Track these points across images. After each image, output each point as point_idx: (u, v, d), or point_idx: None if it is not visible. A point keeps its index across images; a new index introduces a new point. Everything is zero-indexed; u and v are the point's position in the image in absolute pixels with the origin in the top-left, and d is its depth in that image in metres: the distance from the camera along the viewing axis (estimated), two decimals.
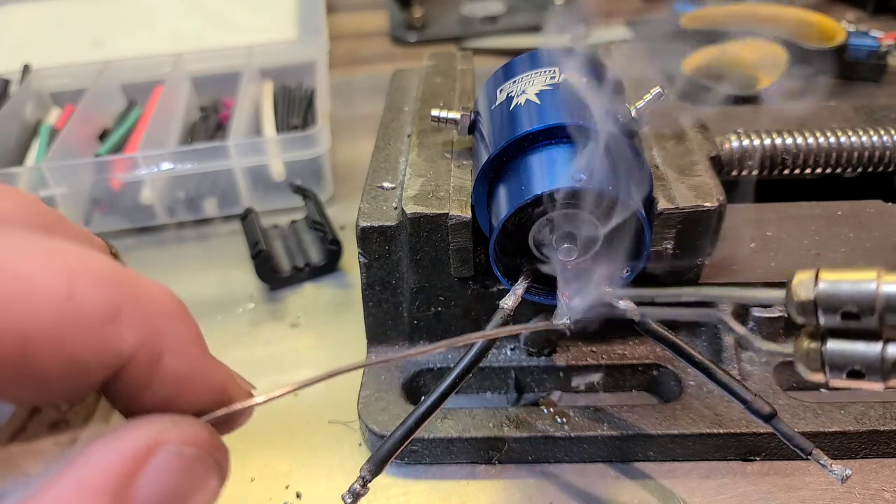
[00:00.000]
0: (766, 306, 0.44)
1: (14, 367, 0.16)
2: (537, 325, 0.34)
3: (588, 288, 0.35)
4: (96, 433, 0.19)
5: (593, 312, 0.34)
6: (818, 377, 0.23)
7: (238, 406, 0.21)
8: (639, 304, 0.34)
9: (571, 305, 0.34)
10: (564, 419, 0.42)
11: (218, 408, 0.20)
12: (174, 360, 0.19)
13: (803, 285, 0.22)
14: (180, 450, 0.18)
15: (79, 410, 0.19)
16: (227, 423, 0.21)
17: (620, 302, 0.38)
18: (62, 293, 0.16)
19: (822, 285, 0.22)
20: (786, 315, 0.44)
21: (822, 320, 0.22)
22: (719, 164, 0.50)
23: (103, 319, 0.17)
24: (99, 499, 0.16)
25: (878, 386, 0.22)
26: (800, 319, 0.22)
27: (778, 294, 0.24)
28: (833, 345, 0.22)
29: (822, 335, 0.22)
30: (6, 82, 0.78)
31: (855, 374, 0.22)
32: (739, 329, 0.28)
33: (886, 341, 0.21)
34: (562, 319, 0.34)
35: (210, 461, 0.19)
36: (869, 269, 0.21)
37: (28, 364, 0.16)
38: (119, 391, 0.18)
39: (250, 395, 0.22)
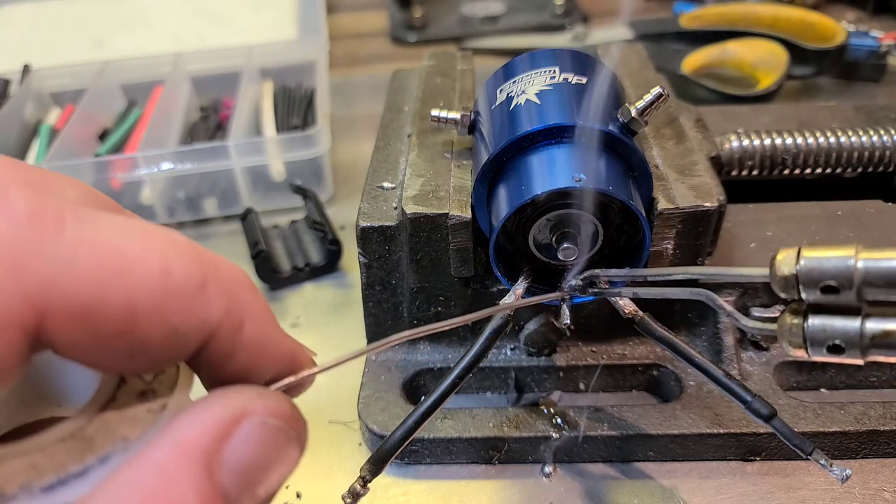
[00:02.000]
0: (765, 305, 0.44)
1: (122, 336, 0.17)
2: (544, 297, 0.35)
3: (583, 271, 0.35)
4: (182, 401, 0.20)
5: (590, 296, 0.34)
6: (800, 353, 0.24)
7: (307, 373, 0.22)
8: (631, 283, 0.34)
9: (570, 282, 0.34)
10: (564, 419, 0.42)
11: (286, 375, 0.22)
12: (253, 329, 0.20)
13: (786, 261, 0.23)
14: (265, 420, 0.19)
15: (163, 380, 0.20)
16: (295, 389, 0.22)
17: (620, 302, 0.38)
18: (159, 268, 0.18)
19: (803, 261, 0.22)
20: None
21: (804, 295, 0.23)
22: (719, 164, 0.50)
23: (194, 291, 0.18)
24: (193, 460, 0.18)
25: (857, 360, 0.23)
26: (783, 295, 0.23)
27: (762, 271, 0.24)
28: (814, 320, 0.23)
29: (805, 312, 0.23)
30: (6, 82, 0.78)
31: (835, 349, 0.23)
32: (727, 307, 0.29)
33: (865, 317, 0.22)
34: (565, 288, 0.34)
35: (291, 432, 0.20)
36: (848, 246, 0.22)
37: (134, 334, 0.17)
38: (206, 360, 0.20)
39: (314, 363, 0.23)
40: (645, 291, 0.33)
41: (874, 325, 0.22)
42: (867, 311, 0.22)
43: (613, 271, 0.34)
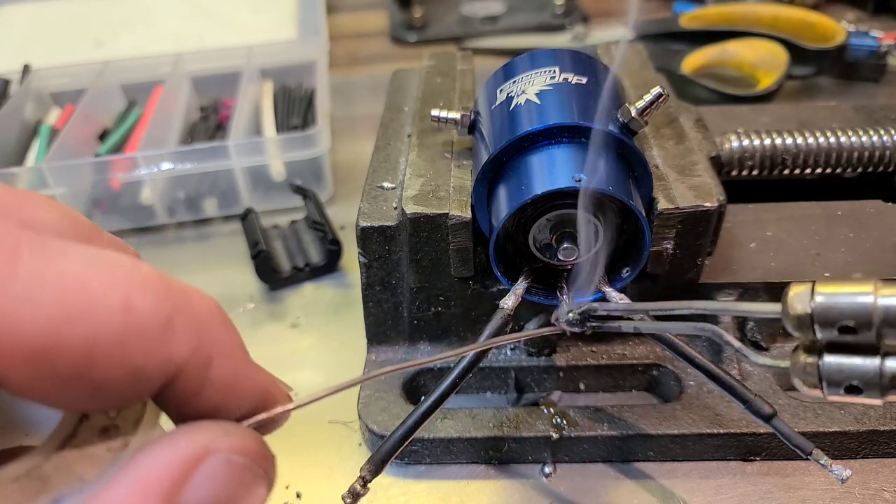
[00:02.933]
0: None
1: (78, 375, 0.16)
2: (536, 332, 0.34)
3: (585, 291, 0.35)
4: (146, 438, 0.19)
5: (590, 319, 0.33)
6: (815, 392, 0.22)
7: (280, 410, 0.21)
8: (631, 318, 0.33)
9: (566, 316, 0.34)
10: (564, 419, 0.42)
11: (260, 411, 0.21)
12: (222, 366, 0.19)
13: (799, 298, 0.22)
14: (230, 458, 0.19)
15: (127, 416, 0.20)
16: (268, 426, 0.22)
17: (620, 302, 0.38)
18: (121, 304, 0.17)
19: (818, 299, 0.21)
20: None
21: (819, 334, 0.21)
22: (719, 164, 0.50)
23: (159, 328, 0.17)
24: (152, 501, 0.17)
25: (876, 401, 0.21)
26: (796, 333, 0.22)
27: (774, 307, 0.23)
28: (830, 359, 0.22)
29: (819, 349, 0.22)
30: (6, 82, 0.78)
31: (853, 390, 0.21)
32: (734, 343, 0.28)
33: (885, 356, 0.21)
34: (562, 321, 0.34)
35: (258, 470, 0.20)
36: (866, 283, 0.20)
37: (91, 373, 0.17)
38: (171, 398, 0.19)
39: (289, 399, 0.22)
40: (646, 326, 0.32)
41: (894, 365, 0.21)
42: (886, 348, 0.21)
43: (612, 305, 0.33)
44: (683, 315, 0.30)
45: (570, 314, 0.33)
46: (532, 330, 0.43)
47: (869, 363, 0.21)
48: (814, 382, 0.22)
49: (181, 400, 0.19)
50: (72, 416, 0.19)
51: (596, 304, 0.33)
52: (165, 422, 0.21)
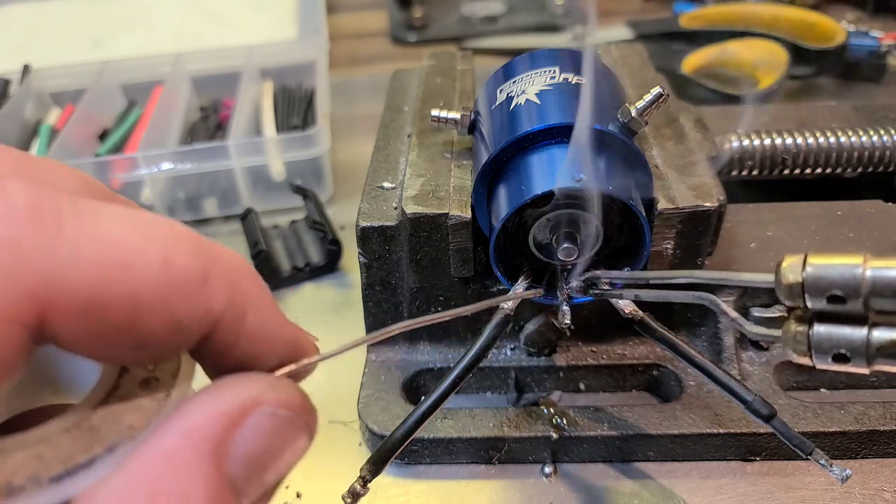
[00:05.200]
0: (765, 306, 0.44)
1: (125, 330, 0.17)
2: (525, 293, 0.35)
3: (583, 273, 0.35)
4: (185, 390, 0.20)
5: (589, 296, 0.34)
6: (804, 360, 0.23)
7: (310, 360, 0.22)
8: (632, 286, 0.34)
9: (570, 283, 0.34)
10: (564, 419, 0.42)
11: (290, 362, 0.22)
12: (256, 318, 0.20)
13: (791, 268, 0.22)
14: (276, 411, 0.19)
15: (165, 368, 0.20)
16: (298, 376, 0.22)
17: (620, 302, 0.38)
18: (161, 259, 0.17)
19: (809, 269, 0.22)
20: (786, 315, 0.44)
21: (809, 303, 0.22)
22: (719, 165, 0.50)
23: (197, 282, 0.18)
24: (201, 450, 0.18)
25: (863, 370, 0.22)
26: (788, 302, 0.23)
27: (767, 277, 0.24)
28: (819, 328, 0.22)
29: (810, 319, 0.23)
30: (6, 82, 0.78)
31: (840, 358, 0.22)
32: (731, 313, 0.29)
33: (872, 326, 0.22)
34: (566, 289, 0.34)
35: (301, 422, 0.20)
36: (856, 255, 0.21)
37: (137, 327, 0.17)
38: (209, 350, 0.20)
39: (317, 350, 0.23)
40: (646, 294, 0.33)
41: (881, 335, 0.21)
42: (874, 319, 0.22)
43: (615, 273, 0.34)
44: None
45: (575, 283, 0.34)
46: (532, 325, 0.44)
47: (857, 333, 0.22)
48: (803, 350, 0.23)
49: (218, 352, 0.20)
50: (112, 370, 0.20)
51: (599, 272, 0.34)
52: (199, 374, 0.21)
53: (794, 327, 0.23)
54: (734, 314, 0.28)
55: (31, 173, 0.20)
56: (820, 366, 0.23)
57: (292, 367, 0.22)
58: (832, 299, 0.22)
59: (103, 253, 0.17)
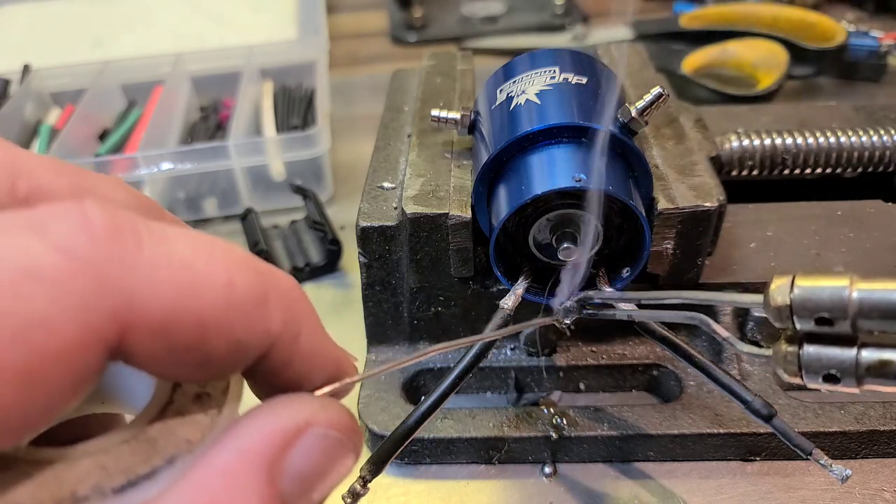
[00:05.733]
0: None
1: (192, 349, 0.18)
2: (537, 322, 0.35)
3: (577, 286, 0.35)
4: (236, 406, 0.21)
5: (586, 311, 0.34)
6: (795, 380, 0.23)
7: (351, 380, 0.23)
8: (625, 304, 0.34)
9: (563, 303, 0.34)
10: (564, 419, 0.42)
11: (333, 380, 0.22)
12: (308, 339, 0.21)
13: (780, 290, 0.23)
14: (327, 432, 0.20)
15: (216, 385, 0.21)
16: (338, 394, 0.23)
17: (621, 305, 0.38)
18: (224, 282, 0.18)
19: (797, 291, 0.22)
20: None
21: (798, 325, 0.22)
22: (719, 164, 0.50)
23: (257, 303, 0.19)
24: (257, 467, 0.18)
25: (853, 389, 0.22)
26: (777, 324, 0.23)
27: (756, 298, 0.24)
28: (809, 349, 0.23)
29: (800, 339, 0.23)
30: (6, 82, 0.78)
31: (830, 378, 0.22)
32: (721, 331, 0.29)
33: (861, 346, 0.22)
34: (558, 309, 0.34)
35: (349, 443, 0.21)
36: (843, 276, 0.21)
37: (203, 347, 0.18)
38: (263, 369, 0.20)
39: (356, 369, 0.24)
40: (639, 314, 0.33)
41: (869, 355, 0.22)
42: (863, 339, 0.22)
43: (607, 292, 0.34)
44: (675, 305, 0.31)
45: (567, 302, 0.34)
46: (528, 322, 0.44)
47: (846, 353, 0.22)
48: (794, 370, 0.23)
49: (271, 371, 0.20)
50: (166, 385, 0.20)
51: (591, 293, 0.34)
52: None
53: (785, 347, 0.23)
54: (726, 333, 0.29)
55: (95, 190, 0.20)
56: (811, 385, 0.23)
57: (336, 385, 0.22)
58: (820, 321, 0.22)
59: (176, 274, 0.17)
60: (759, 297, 0.24)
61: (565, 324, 0.38)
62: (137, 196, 0.22)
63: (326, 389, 0.22)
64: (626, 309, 0.33)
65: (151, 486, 0.18)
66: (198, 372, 0.19)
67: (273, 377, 0.20)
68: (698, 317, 0.29)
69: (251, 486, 0.18)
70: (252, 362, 0.20)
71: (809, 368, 0.23)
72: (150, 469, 0.18)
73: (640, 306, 0.34)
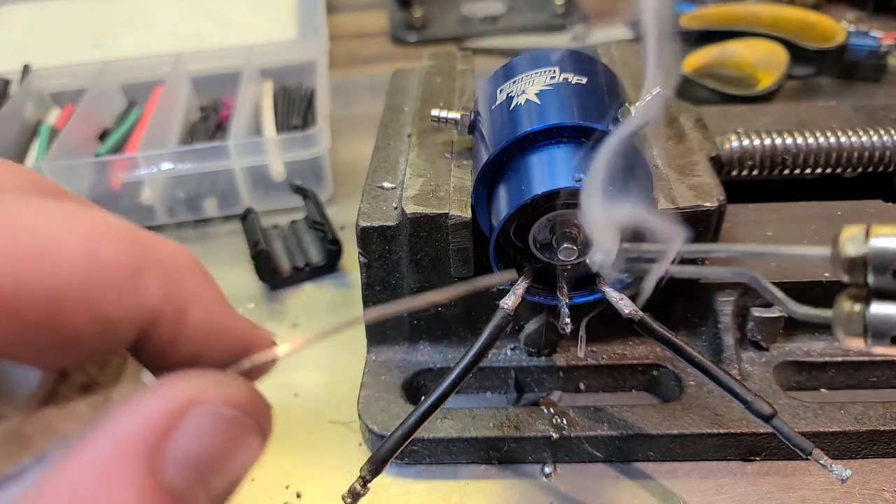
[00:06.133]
0: (765, 306, 0.44)
1: (45, 325, 0.16)
2: (495, 279, 0.31)
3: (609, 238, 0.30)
4: (128, 393, 0.19)
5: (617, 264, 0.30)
6: (857, 343, 0.21)
7: (263, 357, 0.20)
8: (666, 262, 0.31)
9: (597, 256, 0.30)
10: (564, 419, 0.42)
11: (244, 356, 0.20)
12: (199, 313, 0.19)
13: (852, 241, 0.21)
14: (217, 410, 0.18)
15: (108, 372, 0.19)
16: (253, 374, 0.21)
17: (620, 302, 0.38)
18: (83, 252, 0.16)
19: (873, 241, 0.20)
20: (785, 316, 0.44)
21: (871, 279, 0.20)
22: (719, 164, 0.50)
23: (127, 274, 0.17)
24: (132, 458, 0.16)
25: None
26: (845, 277, 0.21)
27: (821, 251, 0.22)
28: (878, 308, 0.20)
29: (866, 297, 0.21)
30: (6, 82, 0.78)
31: None
32: (774, 290, 0.26)
33: None
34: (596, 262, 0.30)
35: (250, 422, 0.19)
36: None
37: (60, 324, 0.16)
38: (149, 349, 0.18)
39: (273, 344, 0.21)
40: (680, 270, 0.29)
41: None
42: None
43: (645, 246, 0.29)
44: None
45: (602, 256, 0.29)
46: (532, 325, 0.44)
47: None
48: (857, 331, 0.21)
49: (159, 350, 0.18)
50: (50, 376, 0.19)
51: (627, 245, 0.30)
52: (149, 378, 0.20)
53: (849, 306, 0.21)
54: (779, 293, 0.26)
55: None
56: (876, 349, 0.21)
57: (244, 364, 0.20)
58: None
59: (19, 243, 0.16)
60: (823, 251, 0.22)
61: (565, 323, 0.38)
62: (34, 178, 0.20)
63: (235, 368, 0.20)
64: (663, 265, 0.29)
65: (17, 487, 0.16)
66: (62, 354, 0.17)
67: (163, 358, 0.19)
68: (747, 273, 0.26)
69: (126, 480, 0.16)
70: (129, 341, 0.18)
71: (877, 329, 0.21)
72: (18, 469, 0.16)
73: (684, 262, 0.29)
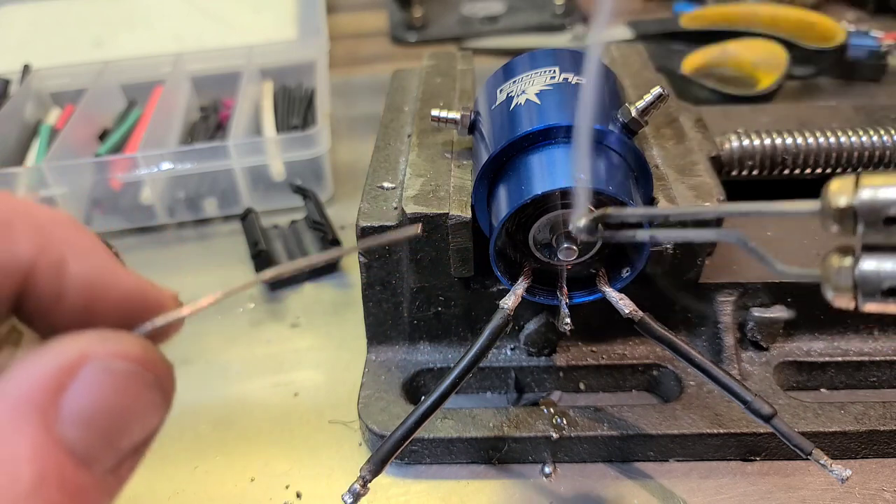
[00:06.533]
0: (765, 305, 0.44)
1: None
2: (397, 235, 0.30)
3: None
4: (10, 356, 0.19)
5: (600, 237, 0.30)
6: (846, 300, 0.21)
7: (168, 317, 0.20)
8: (654, 224, 0.30)
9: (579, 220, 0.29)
10: (564, 419, 0.42)
11: (140, 318, 0.20)
12: (79, 266, 0.18)
13: (842, 190, 0.20)
14: (109, 364, 0.18)
15: (4, 337, 0.19)
16: (160, 335, 0.20)
17: (620, 302, 0.38)
18: None
19: (863, 191, 0.19)
20: (785, 315, 0.44)
21: (861, 230, 0.20)
22: (719, 164, 0.50)
23: None
24: (24, 415, 0.16)
25: None
26: (834, 229, 0.20)
27: (810, 205, 0.21)
28: (867, 262, 0.20)
29: (855, 253, 0.20)
30: (6, 82, 0.78)
31: (891, 293, 0.20)
32: (760, 251, 0.26)
33: None
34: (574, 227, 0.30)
35: (147, 376, 0.18)
36: None
37: None
38: (32, 308, 0.18)
39: (178, 303, 0.21)
40: (665, 234, 0.29)
41: None
42: None
43: (628, 211, 0.29)
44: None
45: (584, 221, 0.29)
46: (532, 325, 0.44)
47: None
48: (847, 286, 0.20)
49: (44, 308, 0.18)
50: None
51: (611, 210, 0.29)
52: None
53: (838, 262, 0.20)
54: (766, 254, 0.25)
55: None
56: (865, 305, 0.20)
57: (147, 325, 0.19)
58: (889, 221, 0.19)
59: None
60: (812, 204, 0.21)
61: (565, 323, 0.38)
62: None
63: (142, 328, 0.19)
64: (647, 230, 0.29)
65: None
66: None
67: (49, 316, 0.18)
68: (735, 234, 0.26)
69: (20, 435, 0.16)
70: (8, 297, 0.18)
71: (867, 284, 0.20)
72: None
73: (664, 225, 0.29)
